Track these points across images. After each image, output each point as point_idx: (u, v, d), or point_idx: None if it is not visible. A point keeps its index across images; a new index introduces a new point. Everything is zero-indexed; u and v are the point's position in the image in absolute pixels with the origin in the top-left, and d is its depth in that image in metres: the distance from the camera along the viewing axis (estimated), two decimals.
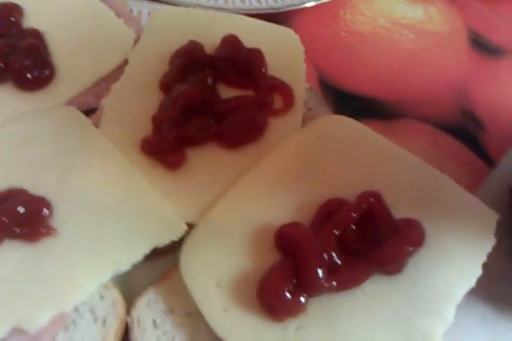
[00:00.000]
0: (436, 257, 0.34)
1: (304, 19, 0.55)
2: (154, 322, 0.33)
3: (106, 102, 0.40)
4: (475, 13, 0.61)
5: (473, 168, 0.48)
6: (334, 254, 0.33)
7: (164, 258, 0.35)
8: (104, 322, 0.33)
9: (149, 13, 0.47)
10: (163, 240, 0.35)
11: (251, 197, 0.37)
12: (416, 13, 0.59)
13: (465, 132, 0.50)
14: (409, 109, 0.51)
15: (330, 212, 0.35)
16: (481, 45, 0.57)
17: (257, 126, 0.40)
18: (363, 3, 0.58)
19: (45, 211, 0.34)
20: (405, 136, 0.49)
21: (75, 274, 0.32)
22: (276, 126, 0.41)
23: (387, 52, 0.55)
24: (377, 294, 0.34)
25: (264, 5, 0.53)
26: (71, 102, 0.41)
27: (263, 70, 0.43)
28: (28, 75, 0.40)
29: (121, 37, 0.45)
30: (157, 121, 0.39)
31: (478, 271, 0.34)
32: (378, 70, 0.54)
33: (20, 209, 0.33)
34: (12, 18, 0.43)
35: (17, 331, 0.30)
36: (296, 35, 0.47)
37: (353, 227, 0.35)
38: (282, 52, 0.45)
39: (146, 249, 0.34)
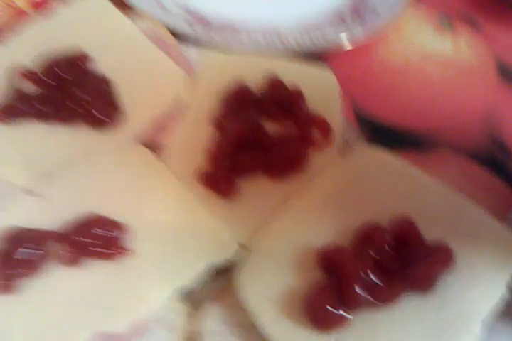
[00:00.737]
0: (464, 277, 0.39)
1: (339, 57, 0.61)
2: (214, 331, 0.39)
3: (167, 139, 0.47)
4: (503, 44, 0.65)
5: (502, 196, 0.52)
6: (371, 273, 0.39)
7: (223, 277, 0.41)
8: (170, 331, 0.39)
9: (200, 58, 0.54)
10: (218, 259, 0.41)
11: (296, 223, 0.43)
12: (445, 46, 0.64)
13: (495, 161, 0.54)
14: (441, 140, 0.55)
15: (366, 235, 0.40)
16: (510, 76, 0.61)
17: (299, 159, 0.46)
18: (394, 41, 0.63)
19: (120, 234, 0.40)
20: (437, 166, 0.53)
21: (145, 288, 0.39)
22: (316, 158, 0.47)
23: (418, 85, 0.60)
24: (411, 311, 0.39)
25: (303, 48, 0.59)
26: (137, 139, 0.47)
27: (303, 108, 0.49)
28: (99, 116, 0.47)
29: (174, 77, 0.51)
30: (212, 156, 0.46)
31: (502, 289, 0.38)
32: (410, 103, 0.58)
33: (100, 232, 0.40)
34: (80, 64, 0.50)
35: (98, 335, 0.36)
36: (332, 74, 0.53)
37: (388, 249, 0.40)
38: (320, 90, 0.51)
39: (202, 267, 0.40)
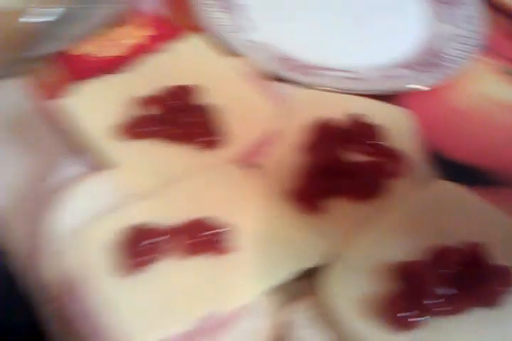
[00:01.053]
0: None
1: (415, 97, 0.68)
2: (300, 325, 0.45)
3: (265, 160, 0.56)
4: None
5: None
6: (444, 287, 0.45)
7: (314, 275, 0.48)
8: (262, 320, 0.46)
9: (292, 93, 0.63)
10: (305, 264, 0.48)
11: (375, 241, 0.50)
12: None
13: None
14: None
15: (439, 252, 0.47)
16: None
17: (378, 186, 0.54)
18: (469, 86, 0.70)
19: (225, 234, 0.48)
20: (507, 202, 0.58)
21: (243, 282, 0.47)
22: (395, 187, 0.54)
23: (489, 128, 0.66)
24: (477, 323, 0.45)
25: (381, 88, 0.67)
26: (239, 158, 0.56)
27: (383, 142, 0.57)
28: (207, 138, 0.56)
29: (267, 112, 0.60)
30: (302, 177, 0.54)
31: None
32: (481, 143, 0.64)
33: (208, 232, 0.48)
34: (191, 94, 0.59)
35: (202, 317, 0.45)
36: (407, 112, 0.61)
37: (457, 266, 0.46)
38: (399, 127, 0.59)
39: (291, 269, 0.48)
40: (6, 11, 0.62)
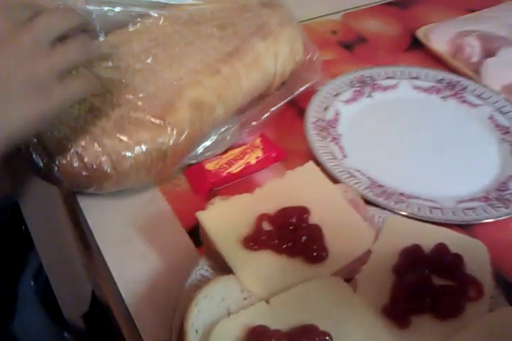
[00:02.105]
0: None
1: (486, 227, 0.79)
2: None
3: (359, 276, 0.67)
4: None
5: None
6: None
7: None
8: None
9: (382, 219, 0.75)
10: None
11: None
12: None
13: None
14: None
15: None
16: None
17: (458, 308, 0.64)
18: None
19: None
20: None
21: None
22: (469, 306, 0.64)
23: None
24: None
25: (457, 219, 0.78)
26: (338, 273, 0.67)
27: (462, 269, 0.67)
28: (309, 254, 0.68)
29: (365, 234, 0.72)
30: (392, 295, 0.65)
31: None
32: None
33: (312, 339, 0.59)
34: (302, 216, 0.72)
35: None
36: (483, 245, 0.72)
37: None
38: (474, 255, 0.69)
39: None
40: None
